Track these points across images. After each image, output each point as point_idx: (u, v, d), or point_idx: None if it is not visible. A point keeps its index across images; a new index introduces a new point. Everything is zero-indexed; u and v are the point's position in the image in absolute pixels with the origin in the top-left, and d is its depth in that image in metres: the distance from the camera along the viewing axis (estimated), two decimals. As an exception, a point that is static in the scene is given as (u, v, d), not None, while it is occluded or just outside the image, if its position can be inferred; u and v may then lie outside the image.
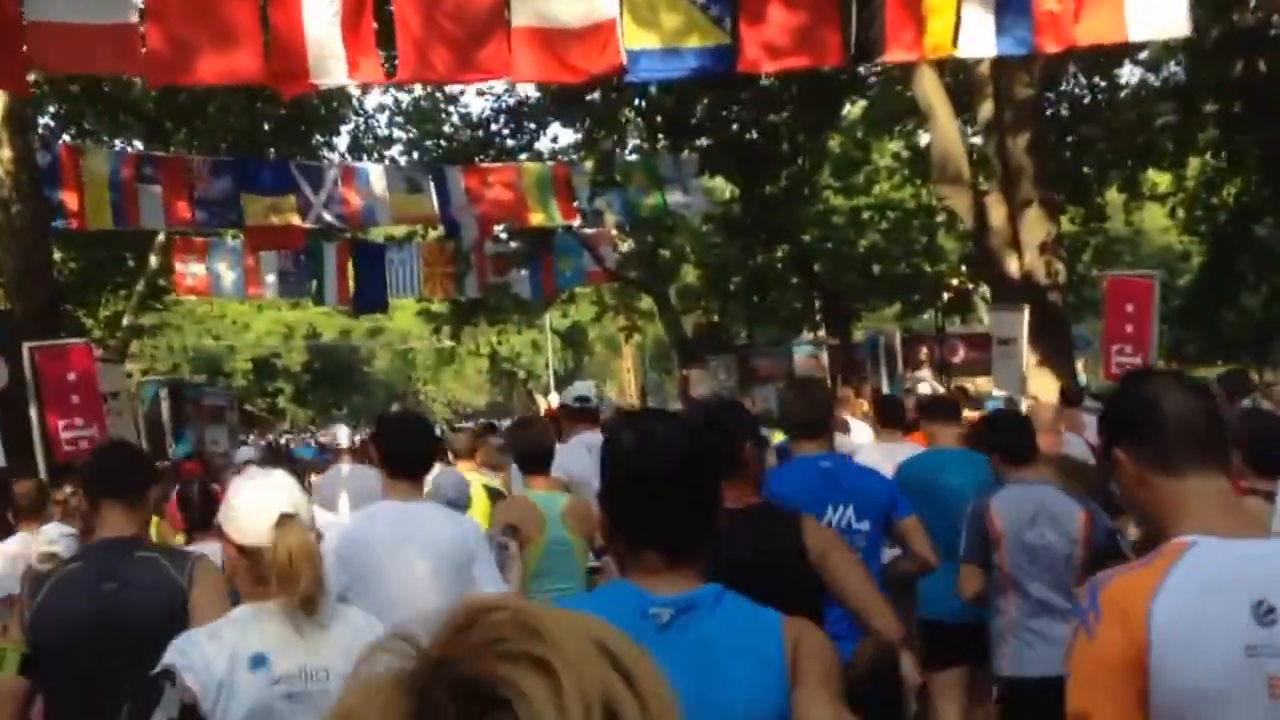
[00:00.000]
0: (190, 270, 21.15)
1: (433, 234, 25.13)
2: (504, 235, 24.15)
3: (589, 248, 22.65)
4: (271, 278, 21.64)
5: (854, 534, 3.83)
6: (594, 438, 5.46)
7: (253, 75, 7.45)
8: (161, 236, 22.16)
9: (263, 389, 46.25)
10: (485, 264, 22.25)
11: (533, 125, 18.51)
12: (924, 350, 18.95)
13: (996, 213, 11.89)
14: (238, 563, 2.58)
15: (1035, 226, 11.70)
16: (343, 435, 10.12)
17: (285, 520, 2.49)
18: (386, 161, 20.83)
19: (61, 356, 8.99)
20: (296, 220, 15.15)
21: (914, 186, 22.70)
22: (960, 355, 19.97)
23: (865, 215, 23.98)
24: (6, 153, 12.85)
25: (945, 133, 12.37)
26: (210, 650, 2.43)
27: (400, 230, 21.51)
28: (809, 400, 4.25)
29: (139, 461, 3.64)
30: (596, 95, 16.77)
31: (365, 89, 25.71)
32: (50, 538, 4.60)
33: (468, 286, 22.11)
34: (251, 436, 28.21)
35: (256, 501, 2.55)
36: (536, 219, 16.29)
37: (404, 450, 3.89)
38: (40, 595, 3.14)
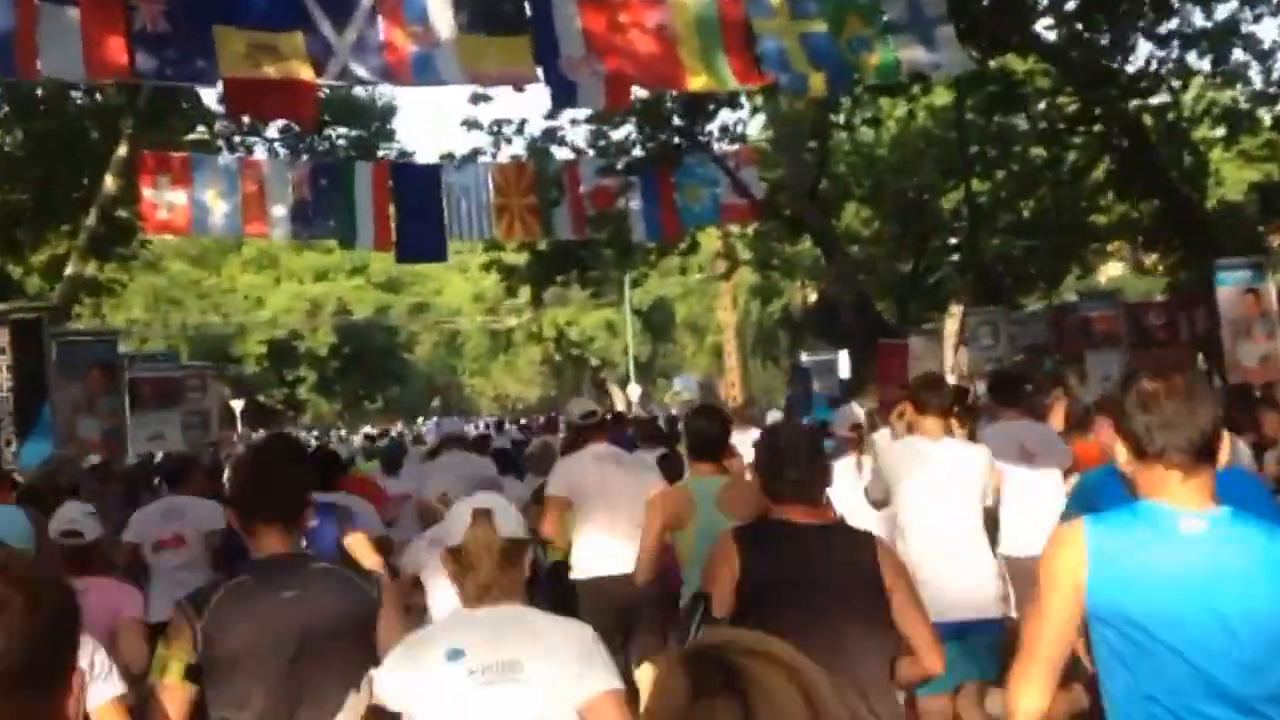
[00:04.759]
0: (164, 198, 14.91)
1: (506, 149, 18.60)
2: (608, 149, 17.69)
3: (727, 170, 16.12)
4: (280, 210, 15.34)
5: None
6: (602, 448, 6.06)
7: None
8: (123, 150, 15.87)
9: (280, 377, 39.69)
10: (581, 193, 15.87)
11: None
12: None
13: None
14: (449, 567, 2.80)
15: None
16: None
17: (478, 516, 2.74)
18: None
19: None
20: (307, 73, 9.19)
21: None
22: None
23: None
24: None
25: None
26: (417, 652, 2.72)
27: (462, 145, 15.41)
28: None
29: (296, 473, 3.41)
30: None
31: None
32: (70, 516, 4.54)
33: (557, 224, 15.70)
34: (258, 434, 22.01)
35: (467, 508, 2.82)
36: (696, 82, 10.15)
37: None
38: (209, 609, 3.05)
